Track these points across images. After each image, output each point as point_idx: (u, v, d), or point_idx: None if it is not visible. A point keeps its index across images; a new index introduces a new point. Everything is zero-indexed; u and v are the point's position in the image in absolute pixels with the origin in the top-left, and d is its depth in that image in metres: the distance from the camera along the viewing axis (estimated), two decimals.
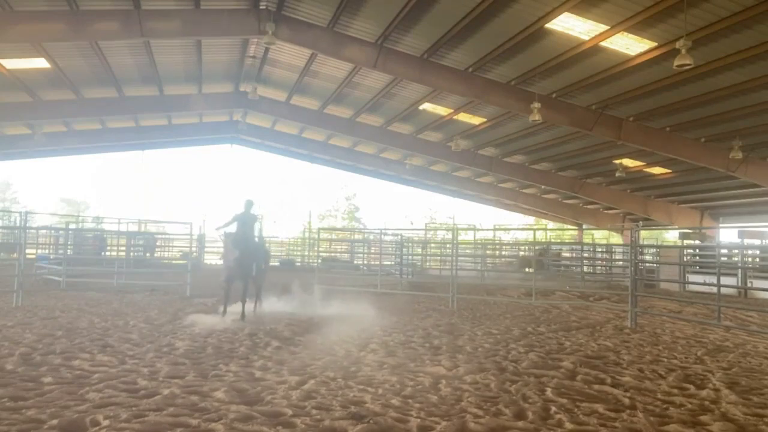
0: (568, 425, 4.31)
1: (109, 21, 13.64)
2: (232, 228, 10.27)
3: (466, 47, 14.40)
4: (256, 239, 10.82)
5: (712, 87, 14.07)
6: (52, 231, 21.61)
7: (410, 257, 25.37)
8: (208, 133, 30.12)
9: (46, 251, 21.16)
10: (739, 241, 20.26)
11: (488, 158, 25.86)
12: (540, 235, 28.99)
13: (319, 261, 19.44)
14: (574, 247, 29.09)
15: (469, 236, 33.54)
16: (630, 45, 12.53)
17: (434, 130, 23.14)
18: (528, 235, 39.29)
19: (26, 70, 17.12)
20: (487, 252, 27.54)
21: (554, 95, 16.35)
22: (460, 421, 4.32)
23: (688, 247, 21.15)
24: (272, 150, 34.15)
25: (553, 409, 4.70)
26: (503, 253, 30.47)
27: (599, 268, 24.09)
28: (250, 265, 10.06)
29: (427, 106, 19.95)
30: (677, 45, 10.64)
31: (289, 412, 4.42)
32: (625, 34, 12.03)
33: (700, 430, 4.35)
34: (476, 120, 20.58)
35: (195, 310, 10.42)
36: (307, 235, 37.17)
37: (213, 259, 26.70)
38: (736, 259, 19.07)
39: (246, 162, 50.55)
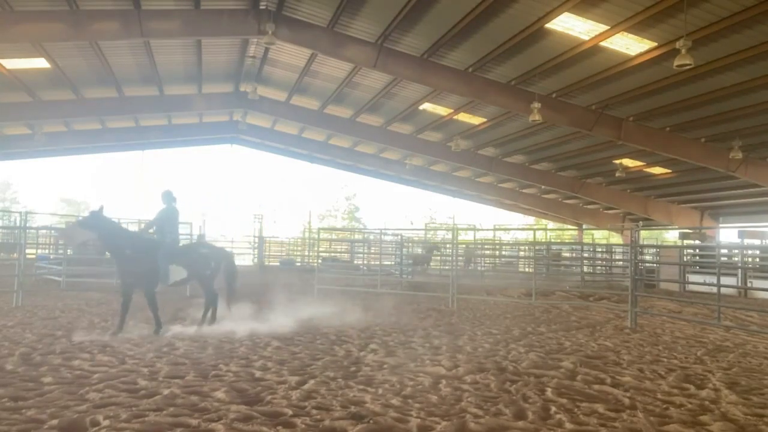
0: (568, 425, 4.31)
1: (109, 21, 13.64)
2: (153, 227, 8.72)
3: (466, 47, 14.40)
4: (178, 237, 9.08)
5: (712, 87, 14.08)
6: (52, 231, 21.60)
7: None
8: (208, 133, 30.14)
9: (46, 251, 21.15)
10: (739, 241, 20.27)
11: (488, 158, 25.86)
12: (540, 235, 28.97)
13: (319, 261, 19.42)
14: (574, 247, 29.08)
15: (469, 236, 33.58)
16: (630, 45, 12.53)
17: (434, 130, 23.14)
18: (528, 235, 39.28)
19: (26, 70, 17.11)
20: (487, 252, 27.55)
21: (554, 95, 16.35)
22: (460, 421, 4.31)
23: (688, 247, 21.13)
24: (272, 150, 34.13)
25: (553, 409, 4.70)
26: (503, 252, 30.45)
27: (599, 268, 24.08)
28: (156, 270, 8.35)
29: (427, 106, 19.95)
30: (677, 45, 10.64)
31: (289, 412, 4.42)
32: (625, 34, 12.03)
33: (700, 430, 4.35)
34: (476, 120, 20.58)
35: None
36: (307, 235, 37.17)
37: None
38: (736, 259, 19.07)
39: (246, 162, 50.62)
